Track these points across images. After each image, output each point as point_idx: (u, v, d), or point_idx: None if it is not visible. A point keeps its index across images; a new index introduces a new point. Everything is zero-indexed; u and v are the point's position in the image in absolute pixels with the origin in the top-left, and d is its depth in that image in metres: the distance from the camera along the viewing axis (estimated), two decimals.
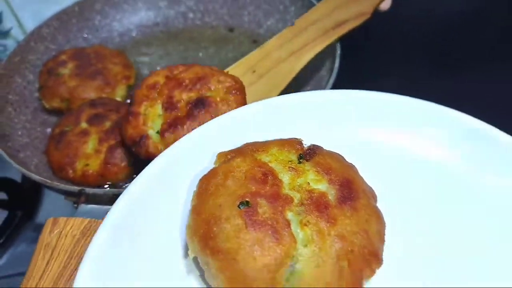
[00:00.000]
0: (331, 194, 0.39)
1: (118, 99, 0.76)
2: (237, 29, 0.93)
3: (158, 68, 0.86)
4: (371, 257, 0.37)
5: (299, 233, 0.36)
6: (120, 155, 0.62)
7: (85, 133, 0.64)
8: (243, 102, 0.56)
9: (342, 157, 0.44)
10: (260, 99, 0.52)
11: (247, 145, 0.44)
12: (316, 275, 0.35)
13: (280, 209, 0.37)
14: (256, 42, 0.89)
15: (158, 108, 0.57)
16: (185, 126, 0.53)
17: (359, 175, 0.43)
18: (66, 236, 0.46)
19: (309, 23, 0.73)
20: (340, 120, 0.51)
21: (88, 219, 0.47)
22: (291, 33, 0.73)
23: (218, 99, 0.55)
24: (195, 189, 0.41)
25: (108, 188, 0.59)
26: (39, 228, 0.72)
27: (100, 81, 0.75)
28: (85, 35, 0.89)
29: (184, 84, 0.57)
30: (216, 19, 0.94)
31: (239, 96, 0.56)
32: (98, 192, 0.52)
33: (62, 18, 0.87)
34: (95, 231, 0.46)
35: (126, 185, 0.54)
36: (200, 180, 0.41)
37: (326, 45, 0.70)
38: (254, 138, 0.46)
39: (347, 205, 0.38)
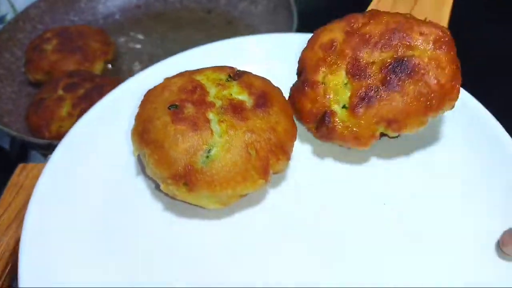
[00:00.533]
0: (249, 102, 0.46)
1: (97, 73, 0.82)
2: (214, 11, 0.99)
3: (139, 46, 0.92)
4: (277, 149, 0.44)
5: (217, 128, 0.43)
6: None
7: (60, 99, 0.71)
8: (455, 61, 0.44)
9: (270, 81, 0.50)
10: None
11: (188, 71, 0.51)
12: (226, 157, 0.42)
13: (202, 111, 0.44)
14: (231, 23, 0.95)
15: (342, 75, 0.46)
16: (383, 97, 0.42)
17: (280, 92, 0.49)
18: (32, 177, 0.52)
19: None
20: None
21: None
22: None
23: (425, 59, 0.43)
24: None
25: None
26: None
27: (79, 56, 0.81)
28: (71, 17, 0.96)
29: (373, 40, 0.46)
30: (194, 2, 1.00)
31: (449, 53, 0.43)
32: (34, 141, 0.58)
33: (49, 0, 0.94)
34: None
35: None
36: (144, 95, 0.48)
37: None
38: None
39: (260, 109, 0.44)
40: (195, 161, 0.41)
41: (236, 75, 0.49)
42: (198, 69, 0.50)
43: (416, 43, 0.45)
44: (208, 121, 0.43)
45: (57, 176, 0.46)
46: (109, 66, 0.85)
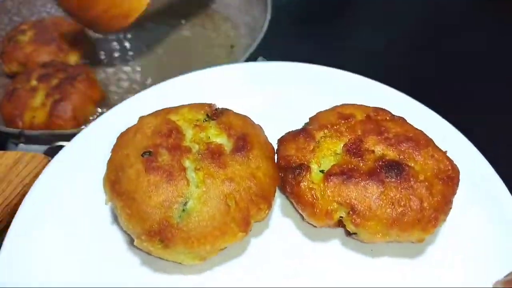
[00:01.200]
0: (228, 146, 0.44)
1: (71, 64, 0.83)
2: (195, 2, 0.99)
3: (112, 37, 0.92)
4: (258, 198, 0.41)
5: (194, 177, 0.41)
6: (64, 108, 0.68)
7: (34, 89, 0.71)
8: (448, 198, 0.43)
9: (248, 118, 0.48)
10: None
11: (164, 109, 0.49)
12: (204, 210, 0.39)
13: (178, 157, 0.42)
14: (207, 16, 0.96)
15: (339, 146, 0.45)
16: (360, 184, 0.41)
17: (260, 131, 0.48)
18: (0, 165, 0.52)
19: None
20: (254, 88, 0.58)
21: (21, 152, 0.54)
22: None
23: (421, 177, 0.42)
24: None
25: (44, 130, 0.65)
26: None
27: (54, 47, 0.81)
28: (48, 10, 0.96)
29: (385, 135, 0.45)
30: None
31: (450, 187, 0.42)
32: (35, 133, 0.59)
33: None
34: (26, 161, 0.53)
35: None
36: (117, 138, 0.46)
37: None
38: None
39: (240, 154, 0.43)
40: (171, 216, 0.39)
41: (214, 114, 0.48)
42: (174, 107, 0.49)
43: (422, 160, 0.43)
44: (184, 169, 0.41)
45: (26, 228, 0.44)
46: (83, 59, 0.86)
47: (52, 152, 0.58)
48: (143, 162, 0.41)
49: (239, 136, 0.44)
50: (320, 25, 0.95)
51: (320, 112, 0.50)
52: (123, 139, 0.45)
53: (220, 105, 0.50)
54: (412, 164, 0.43)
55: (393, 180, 0.42)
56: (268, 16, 0.76)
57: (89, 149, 0.51)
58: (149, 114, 0.48)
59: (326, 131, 0.46)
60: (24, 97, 0.70)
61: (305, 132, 0.47)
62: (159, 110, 0.49)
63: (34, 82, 0.72)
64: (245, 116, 0.49)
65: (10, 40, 0.83)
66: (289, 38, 0.91)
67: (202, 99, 0.51)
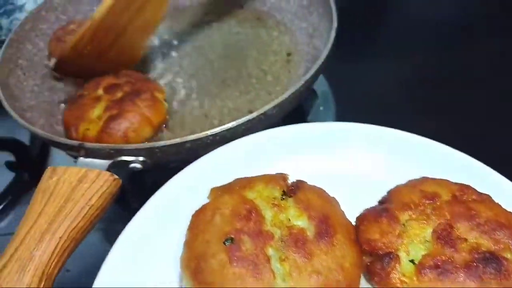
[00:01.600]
0: (310, 230, 0.42)
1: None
2: (241, 6, 0.94)
3: (166, 36, 0.88)
4: None
5: (279, 269, 0.39)
6: (118, 126, 0.63)
7: (97, 99, 0.67)
8: None
9: (324, 191, 0.47)
10: None
11: (236, 181, 0.48)
12: None
13: (261, 245, 0.40)
14: (259, 19, 0.91)
15: (427, 231, 0.42)
16: (458, 279, 0.38)
17: (339, 209, 0.46)
18: (63, 182, 0.49)
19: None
20: (326, 151, 0.54)
21: (85, 168, 0.50)
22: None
23: None
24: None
25: (105, 144, 0.61)
26: None
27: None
28: (95, 8, 0.92)
29: (477, 220, 0.42)
30: None
31: None
32: (96, 147, 0.55)
33: None
34: (91, 179, 0.49)
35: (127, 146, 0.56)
36: (192, 216, 0.45)
37: None
38: (246, 172, 0.50)
39: (324, 240, 0.41)
40: None
41: (290, 190, 0.46)
42: (247, 180, 0.47)
43: None
44: (268, 259, 0.40)
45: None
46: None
47: (115, 167, 0.54)
48: (226, 251, 0.40)
49: (321, 219, 0.43)
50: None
51: (399, 187, 0.48)
52: (201, 220, 0.44)
53: (289, 169, 0.49)
54: (508, 255, 0.40)
55: (492, 276, 0.39)
56: (335, 25, 0.70)
57: (161, 217, 0.49)
58: (223, 189, 0.47)
59: (410, 212, 0.44)
60: (86, 106, 0.66)
61: (388, 213, 0.44)
62: (232, 184, 0.48)
63: (100, 92, 0.68)
64: (321, 190, 0.47)
65: (58, 41, 0.79)
66: (356, 48, 0.86)
67: (269, 162, 0.51)
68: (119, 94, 0.67)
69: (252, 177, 0.48)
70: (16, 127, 0.64)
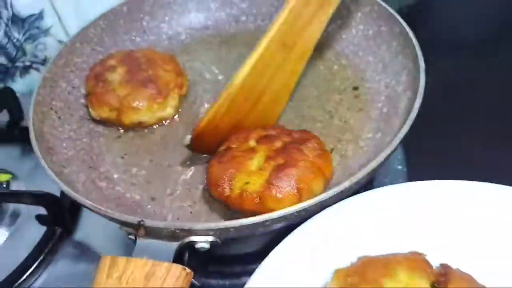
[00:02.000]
0: None
1: (169, 109, 0.69)
2: None
3: (208, 76, 0.79)
4: None
5: None
6: (288, 176, 0.52)
7: (252, 150, 0.56)
8: None
9: (474, 280, 0.39)
10: None
11: (366, 263, 0.40)
12: None
13: None
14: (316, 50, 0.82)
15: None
16: None
17: None
18: (127, 281, 0.39)
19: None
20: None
21: (152, 261, 0.40)
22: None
23: None
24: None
25: (170, 221, 0.52)
26: (78, 245, 0.68)
27: (152, 90, 0.68)
28: (133, 37, 0.83)
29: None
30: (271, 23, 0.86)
31: None
32: (157, 225, 0.45)
33: (109, 18, 0.80)
34: (161, 276, 0.39)
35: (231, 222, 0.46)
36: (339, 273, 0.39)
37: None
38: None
39: None
40: None
41: (440, 282, 0.38)
42: (381, 264, 0.39)
43: None
44: None
45: None
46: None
47: (181, 251, 0.44)
48: None
49: None
50: None
51: None
52: None
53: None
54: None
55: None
56: (422, 65, 0.61)
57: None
58: (353, 274, 0.39)
59: None
60: (239, 157, 0.55)
61: None
62: (363, 268, 0.39)
63: (252, 143, 0.58)
64: (470, 278, 0.39)
65: (97, 79, 0.70)
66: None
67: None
68: (278, 143, 0.57)
69: (385, 259, 0.39)
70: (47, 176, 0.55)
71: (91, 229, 0.70)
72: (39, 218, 0.70)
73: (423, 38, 0.66)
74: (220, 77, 0.79)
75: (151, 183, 0.63)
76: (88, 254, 0.67)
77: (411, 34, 0.66)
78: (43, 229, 0.69)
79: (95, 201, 0.51)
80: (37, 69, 0.96)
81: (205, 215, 0.57)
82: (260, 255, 0.45)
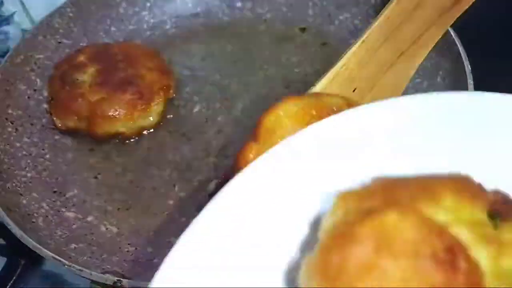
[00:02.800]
0: None
1: (153, 117, 0.57)
2: (297, 24, 0.73)
3: (199, 73, 0.67)
4: None
5: None
6: None
7: None
8: None
9: None
10: None
11: (390, 185, 0.27)
12: None
13: None
14: (326, 44, 0.70)
15: None
16: None
17: None
18: None
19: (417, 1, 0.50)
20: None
21: None
22: (397, 16, 0.51)
23: None
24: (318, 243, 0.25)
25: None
26: (48, 275, 0.59)
27: (132, 94, 0.56)
28: (107, 27, 0.70)
29: None
30: (270, 11, 0.74)
31: None
32: (140, 286, 0.34)
33: (78, 4, 0.67)
34: None
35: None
36: (329, 236, 0.25)
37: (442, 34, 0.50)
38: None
39: None
40: None
41: (500, 211, 0.25)
42: (417, 185, 0.26)
43: None
44: None
45: None
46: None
47: None
48: None
49: None
50: None
51: None
52: (351, 256, 0.23)
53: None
54: None
55: None
56: (467, 66, 0.50)
57: None
58: (368, 196, 0.26)
59: None
60: None
61: None
62: (384, 186, 0.27)
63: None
64: None
65: (63, 80, 0.57)
66: None
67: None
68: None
69: (419, 179, 0.27)
70: None
71: None
72: None
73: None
74: (213, 75, 0.67)
75: (131, 210, 0.51)
76: (61, 285, 0.58)
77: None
78: (3, 260, 0.58)
79: (60, 244, 0.40)
80: None
81: None
82: None
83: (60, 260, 0.38)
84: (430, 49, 0.49)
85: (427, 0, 0.50)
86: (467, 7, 0.49)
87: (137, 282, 0.34)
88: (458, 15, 0.50)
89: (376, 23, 0.50)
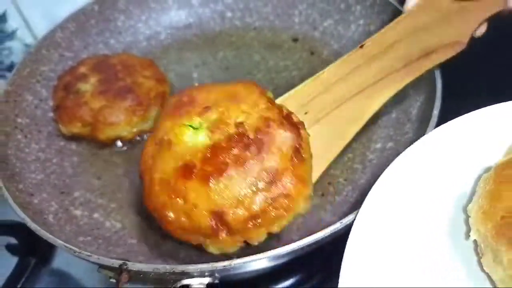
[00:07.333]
0: None
1: (151, 121, 0.62)
2: (284, 31, 0.78)
3: (193, 81, 0.72)
4: None
5: None
6: None
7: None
8: None
9: None
10: (314, 152, 0.45)
11: None
12: None
13: None
14: (311, 49, 0.75)
15: None
16: None
17: None
18: None
19: (383, 47, 0.54)
20: None
21: None
22: (359, 59, 0.54)
23: None
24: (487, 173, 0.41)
25: (159, 264, 0.44)
26: (57, 273, 0.62)
27: (131, 101, 0.60)
28: (106, 40, 0.75)
29: None
30: (259, 19, 0.79)
31: None
32: (144, 269, 0.38)
33: (79, 19, 0.72)
34: None
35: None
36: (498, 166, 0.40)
37: (408, 82, 0.52)
38: None
39: None
40: None
41: None
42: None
43: None
44: None
45: None
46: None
47: None
48: None
49: None
50: None
51: None
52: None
53: None
54: None
55: None
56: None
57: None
58: None
59: None
60: None
61: None
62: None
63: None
64: None
65: (67, 90, 0.62)
66: None
67: None
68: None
69: None
70: None
71: (70, 255, 0.63)
72: (10, 248, 0.62)
73: None
74: (205, 81, 0.71)
75: (132, 207, 0.55)
76: (68, 283, 0.61)
77: None
78: (15, 259, 0.62)
79: (69, 238, 0.44)
80: (3, 77, 0.88)
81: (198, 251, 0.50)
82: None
83: (71, 248, 0.42)
84: (394, 92, 0.51)
85: (392, 49, 0.53)
86: (437, 63, 0.52)
87: (142, 264, 0.38)
88: (428, 67, 0.52)
89: (335, 63, 0.54)
